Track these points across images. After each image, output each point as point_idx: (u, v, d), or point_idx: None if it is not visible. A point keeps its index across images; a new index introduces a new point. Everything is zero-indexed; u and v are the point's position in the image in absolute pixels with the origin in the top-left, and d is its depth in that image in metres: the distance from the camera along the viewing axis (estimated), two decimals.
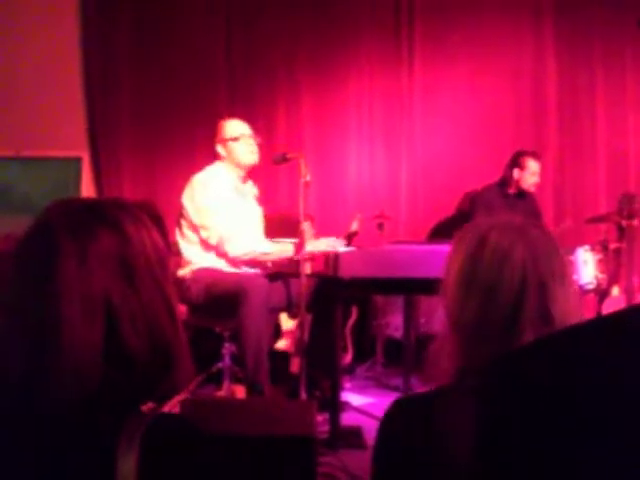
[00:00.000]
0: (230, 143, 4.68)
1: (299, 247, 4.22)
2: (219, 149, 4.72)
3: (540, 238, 1.49)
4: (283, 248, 4.54)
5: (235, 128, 4.73)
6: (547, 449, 0.83)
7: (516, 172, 5.99)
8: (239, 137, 4.69)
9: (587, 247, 5.20)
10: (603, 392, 0.82)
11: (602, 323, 0.97)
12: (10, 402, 1.22)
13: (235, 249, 4.51)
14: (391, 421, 1.44)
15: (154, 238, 1.31)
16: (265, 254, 4.56)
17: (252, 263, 4.62)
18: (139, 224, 1.30)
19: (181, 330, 1.32)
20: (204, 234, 4.53)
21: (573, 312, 1.44)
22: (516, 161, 6.01)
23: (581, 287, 5.08)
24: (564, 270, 1.49)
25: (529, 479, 0.85)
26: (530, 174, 5.98)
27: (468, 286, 1.45)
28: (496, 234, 1.47)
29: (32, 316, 1.23)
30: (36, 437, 1.20)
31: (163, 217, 1.41)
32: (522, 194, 6.07)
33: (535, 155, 6.03)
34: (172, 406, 1.38)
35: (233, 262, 4.57)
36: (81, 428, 1.20)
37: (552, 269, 1.45)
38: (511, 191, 6.07)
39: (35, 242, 1.27)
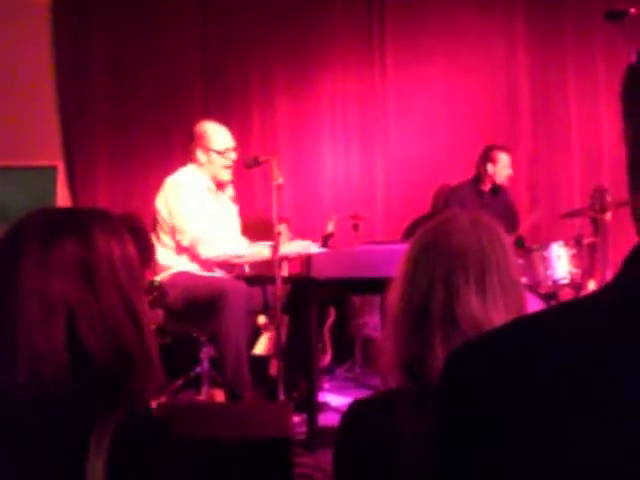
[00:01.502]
0: (213, 154, 4.60)
1: (274, 250, 4.22)
2: (199, 154, 4.62)
3: (475, 236, 1.47)
4: (256, 250, 4.52)
5: (223, 141, 4.63)
6: (514, 443, 0.82)
7: (490, 167, 6.03)
8: (224, 152, 4.61)
9: (561, 242, 5.23)
10: (566, 376, 0.82)
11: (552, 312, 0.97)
12: None
13: (207, 251, 4.46)
14: (348, 422, 1.47)
15: (125, 248, 1.34)
16: (238, 257, 4.53)
17: (226, 267, 4.61)
18: (109, 233, 1.33)
19: (147, 337, 1.33)
20: (177, 237, 4.49)
21: (493, 314, 1.41)
22: (487, 156, 6.06)
23: (555, 282, 5.11)
24: (486, 270, 1.45)
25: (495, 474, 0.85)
26: (503, 167, 6.03)
27: (401, 283, 1.48)
28: (425, 233, 1.49)
29: None
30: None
31: (144, 230, 1.43)
32: (496, 190, 6.11)
33: (505, 148, 6.08)
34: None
35: (206, 265, 4.53)
36: (49, 429, 1.21)
37: (467, 270, 1.43)
38: (485, 188, 6.11)
39: (4, 247, 1.31)
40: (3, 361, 1.24)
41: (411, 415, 1.35)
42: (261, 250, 4.46)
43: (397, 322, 1.46)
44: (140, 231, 1.40)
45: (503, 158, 6.03)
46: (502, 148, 6.06)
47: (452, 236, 1.47)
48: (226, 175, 4.66)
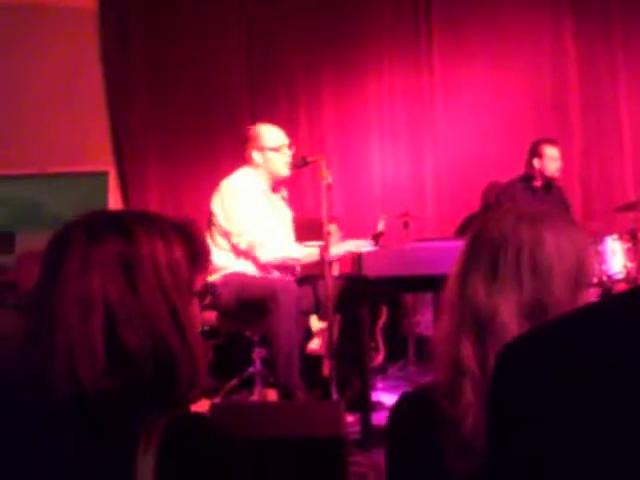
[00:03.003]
0: (268, 152, 4.60)
1: (324, 250, 4.22)
2: (255, 155, 4.63)
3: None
4: (311, 252, 4.53)
5: (276, 138, 4.65)
6: (563, 432, 0.82)
7: (536, 162, 5.97)
8: (279, 147, 4.61)
9: (615, 236, 5.14)
10: (613, 369, 0.81)
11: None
12: (10, 399, 1.27)
13: (266, 254, 4.49)
14: (396, 413, 1.48)
15: (172, 251, 1.33)
16: (295, 259, 4.56)
17: (282, 268, 4.62)
18: (154, 234, 1.32)
19: (191, 341, 1.32)
20: (234, 240, 4.51)
21: (501, 305, 1.37)
22: (534, 151, 5.99)
23: (610, 277, 5.03)
24: (500, 259, 1.41)
25: (543, 462, 0.84)
26: (550, 160, 5.95)
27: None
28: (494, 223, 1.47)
29: (35, 314, 1.29)
30: (43, 436, 1.24)
31: (199, 236, 1.43)
32: (549, 186, 6.03)
33: (551, 141, 6.00)
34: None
35: (263, 267, 4.56)
36: (98, 427, 1.22)
37: (479, 258, 1.42)
38: (537, 184, 6.03)
39: (51, 246, 1.33)
40: (41, 355, 1.24)
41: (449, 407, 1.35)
42: (313, 251, 4.46)
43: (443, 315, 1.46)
44: (193, 236, 1.39)
45: (549, 151, 5.95)
46: (547, 141, 5.99)
47: (482, 227, 1.47)
48: (285, 170, 4.65)
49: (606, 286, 5.17)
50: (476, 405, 1.31)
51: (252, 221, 4.49)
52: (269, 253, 4.49)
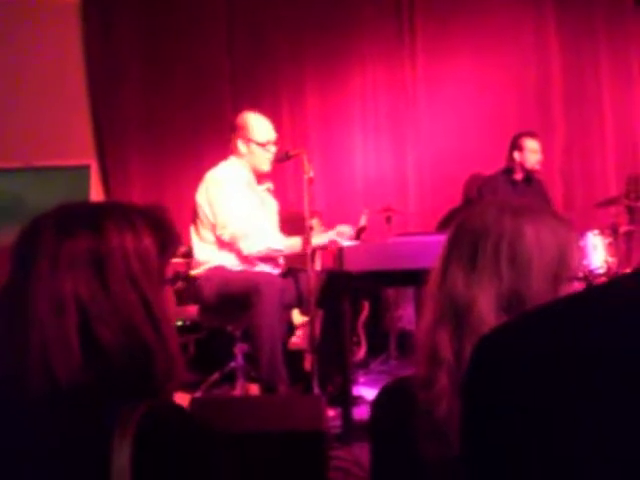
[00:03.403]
0: (254, 146, 4.58)
1: (305, 243, 4.21)
2: (240, 145, 4.60)
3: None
4: (294, 243, 4.51)
5: (264, 133, 4.61)
6: (542, 423, 0.81)
7: (517, 154, 5.99)
8: (266, 144, 4.59)
9: (596, 231, 5.17)
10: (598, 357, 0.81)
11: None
12: None
13: (249, 247, 4.47)
14: (377, 406, 1.48)
15: (140, 239, 1.32)
16: (278, 251, 4.54)
17: (265, 259, 4.60)
18: (122, 225, 1.31)
19: (165, 331, 1.32)
20: (218, 232, 4.49)
21: (479, 296, 1.37)
22: (514, 144, 6.02)
23: (591, 272, 5.05)
24: (480, 250, 1.41)
25: (521, 453, 0.83)
26: (530, 152, 5.97)
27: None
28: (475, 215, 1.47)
29: (7, 314, 1.28)
30: (19, 432, 1.23)
31: (166, 221, 1.41)
32: (529, 179, 6.05)
33: (531, 134, 6.02)
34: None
35: (246, 260, 4.54)
36: (67, 424, 1.22)
37: (460, 248, 1.42)
38: (518, 177, 6.05)
39: (21, 241, 1.32)
40: (15, 356, 1.24)
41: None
42: (298, 243, 4.45)
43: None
44: (162, 223, 1.38)
45: (529, 144, 5.97)
46: (528, 134, 6.01)
47: (464, 218, 1.47)
48: (266, 166, 4.64)
49: (587, 281, 5.19)
50: (450, 392, 1.31)
51: (236, 212, 4.47)
52: (252, 246, 4.47)
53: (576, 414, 0.79)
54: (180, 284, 4.57)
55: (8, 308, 1.29)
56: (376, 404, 1.51)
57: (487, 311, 1.35)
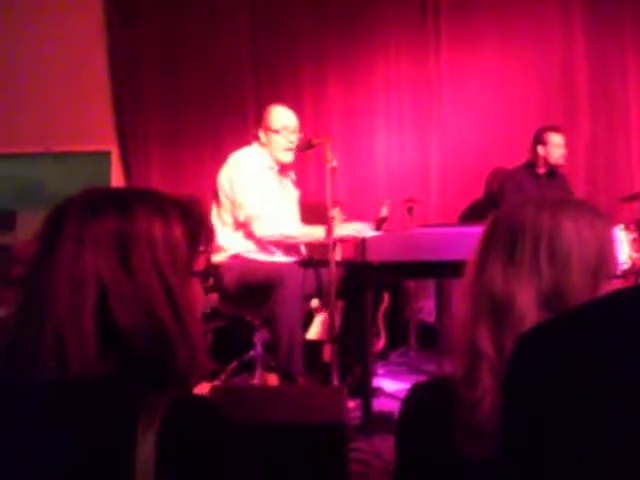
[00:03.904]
0: (270, 133, 4.57)
1: (328, 233, 4.17)
2: (261, 134, 4.61)
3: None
4: (309, 231, 4.49)
5: (278, 119, 4.58)
6: (578, 420, 0.82)
7: (540, 149, 5.94)
8: (279, 130, 4.56)
9: (621, 226, 5.11)
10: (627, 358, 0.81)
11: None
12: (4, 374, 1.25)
13: (261, 230, 4.44)
14: (409, 404, 1.46)
15: (170, 229, 1.30)
16: (291, 237, 4.50)
17: (284, 248, 4.58)
18: (153, 211, 1.30)
19: (187, 321, 1.30)
20: (235, 212, 4.47)
21: (518, 292, 1.35)
22: (538, 138, 5.96)
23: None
24: (517, 246, 1.39)
25: (560, 450, 0.84)
26: (554, 147, 5.92)
27: None
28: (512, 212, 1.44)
29: (26, 289, 1.27)
30: (34, 420, 1.21)
31: (201, 214, 1.40)
32: (552, 173, 6.01)
33: (555, 128, 5.97)
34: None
35: (260, 244, 4.51)
36: (94, 410, 1.20)
37: (497, 244, 1.40)
38: (541, 171, 6.01)
39: (48, 222, 1.31)
40: (30, 331, 1.22)
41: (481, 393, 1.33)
42: (313, 231, 4.42)
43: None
44: (196, 216, 1.36)
45: (553, 138, 5.92)
46: (552, 129, 5.96)
47: (502, 213, 1.45)
48: (284, 156, 4.60)
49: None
50: (493, 389, 1.29)
51: (253, 194, 4.45)
52: (265, 229, 4.44)
53: (611, 411, 0.80)
54: (211, 281, 4.56)
55: (27, 284, 1.28)
56: (409, 400, 1.49)
57: (528, 308, 1.33)
